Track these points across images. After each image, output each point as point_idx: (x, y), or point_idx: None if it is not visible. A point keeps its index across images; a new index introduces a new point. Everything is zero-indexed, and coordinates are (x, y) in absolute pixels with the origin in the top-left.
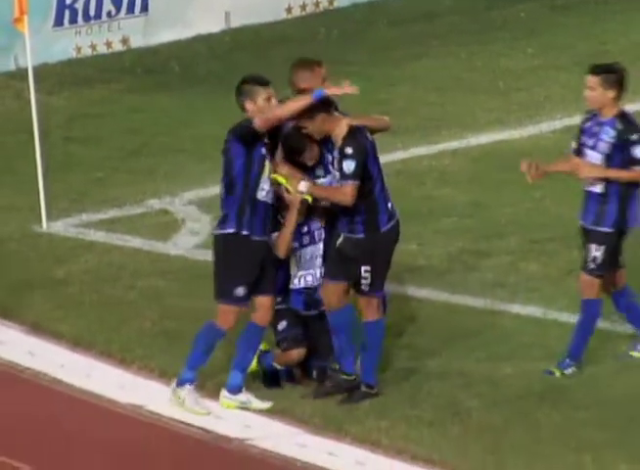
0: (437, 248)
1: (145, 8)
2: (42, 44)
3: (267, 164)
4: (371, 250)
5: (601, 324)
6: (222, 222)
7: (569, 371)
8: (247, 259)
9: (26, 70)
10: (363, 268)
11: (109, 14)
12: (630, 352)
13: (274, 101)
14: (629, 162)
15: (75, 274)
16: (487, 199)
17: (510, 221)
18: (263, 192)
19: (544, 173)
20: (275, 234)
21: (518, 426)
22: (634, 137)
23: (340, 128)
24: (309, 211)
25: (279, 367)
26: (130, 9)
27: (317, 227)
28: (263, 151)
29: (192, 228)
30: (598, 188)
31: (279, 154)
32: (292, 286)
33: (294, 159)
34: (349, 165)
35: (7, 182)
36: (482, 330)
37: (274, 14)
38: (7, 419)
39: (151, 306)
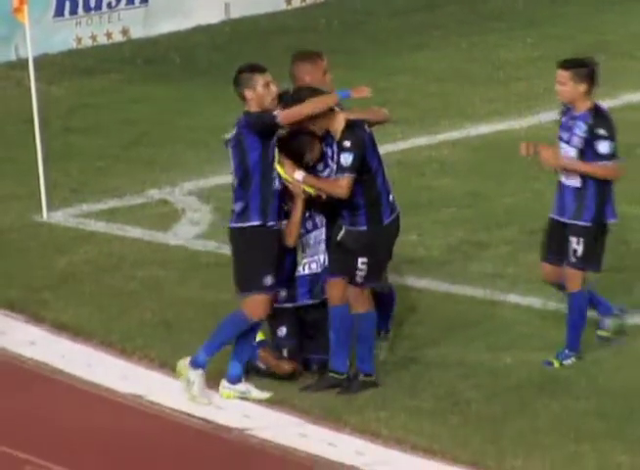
0: (437, 238)
1: None
2: (43, 34)
3: (276, 152)
4: (372, 242)
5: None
6: (241, 215)
7: (567, 362)
8: (272, 248)
9: (27, 60)
10: (360, 260)
11: (109, 5)
12: (598, 333)
13: (273, 87)
14: (595, 156)
15: (76, 264)
16: (487, 189)
17: (509, 212)
18: (276, 180)
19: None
20: (283, 222)
21: (517, 416)
22: (602, 132)
23: (338, 123)
24: (309, 204)
25: (259, 366)
26: (130, 0)
27: (319, 212)
28: (274, 140)
29: (192, 218)
30: (576, 182)
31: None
32: (297, 273)
33: (295, 160)
34: (347, 158)
35: (7, 172)
36: (482, 320)
37: (274, 4)
38: (8, 409)
39: (151, 296)
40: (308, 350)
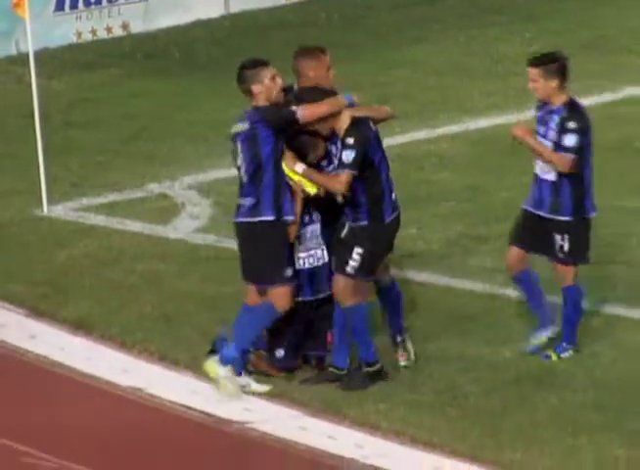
0: (436, 232)
1: None
2: (43, 29)
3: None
4: (371, 237)
5: (599, 308)
6: (252, 209)
7: (565, 355)
8: (287, 240)
9: (27, 54)
10: (356, 250)
11: None
12: (532, 341)
13: (279, 79)
14: (558, 145)
15: (76, 258)
16: (486, 183)
17: (508, 206)
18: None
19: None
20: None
21: (516, 410)
22: (572, 125)
23: (342, 121)
24: (309, 202)
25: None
26: None
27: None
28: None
29: (191, 212)
30: (551, 176)
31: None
32: (297, 266)
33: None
34: (349, 155)
35: (7, 166)
36: (481, 314)
37: None
38: (8, 402)
39: (151, 290)
40: (307, 347)
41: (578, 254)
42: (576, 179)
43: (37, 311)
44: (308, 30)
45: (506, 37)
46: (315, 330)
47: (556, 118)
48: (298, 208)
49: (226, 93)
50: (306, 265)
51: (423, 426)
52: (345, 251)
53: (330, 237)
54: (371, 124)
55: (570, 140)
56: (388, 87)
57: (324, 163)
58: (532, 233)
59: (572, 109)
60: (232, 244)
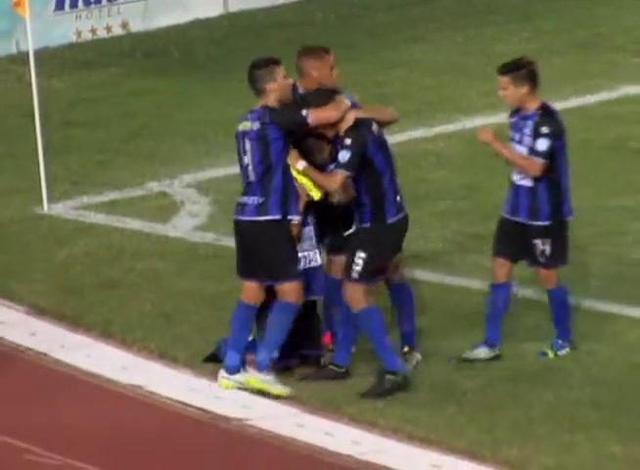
0: (433, 230)
1: None
2: (43, 28)
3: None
4: (373, 239)
5: (596, 305)
6: (258, 208)
7: (562, 352)
8: (293, 237)
9: (27, 53)
10: (358, 254)
11: None
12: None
13: (289, 78)
14: (531, 150)
15: (76, 256)
16: (482, 182)
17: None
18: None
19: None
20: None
21: (512, 406)
22: (544, 130)
23: (346, 121)
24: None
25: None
26: None
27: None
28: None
29: (191, 210)
30: (527, 182)
31: None
32: None
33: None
34: (344, 155)
35: (8, 165)
36: (478, 311)
37: None
38: (8, 400)
39: (150, 288)
40: (304, 346)
41: (560, 256)
42: (553, 184)
43: (37, 309)
44: (306, 30)
45: (503, 37)
46: (312, 330)
47: (530, 124)
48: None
49: (225, 92)
50: (304, 266)
51: (420, 423)
52: (350, 255)
53: (334, 240)
54: (373, 127)
55: (541, 144)
56: (385, 87)
57: (331, 166)
58: (511, 240)
59: (545, 113)
60: (231, 242)
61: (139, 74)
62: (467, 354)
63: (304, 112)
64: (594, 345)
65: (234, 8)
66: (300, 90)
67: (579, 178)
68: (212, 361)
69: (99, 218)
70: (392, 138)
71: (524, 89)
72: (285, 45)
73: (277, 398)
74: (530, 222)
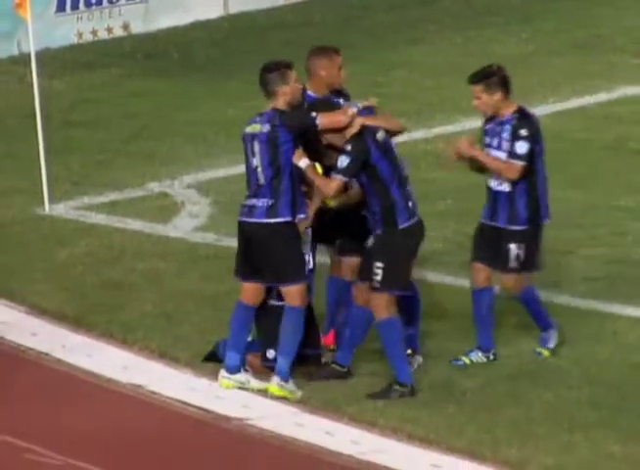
0: (433, 230)
1: None
2: (44, 29)
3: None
4: (386, 246)
5: (595, 305)
6: (268, 210)
7: (551, 345)
8: (300, 239)
9: (29, 54)
10: (375, 264)
11: (110, 0)
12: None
13: (299, 83)
14: (510, 154)
15: (77, 256)
16: (482, 182)
17: None
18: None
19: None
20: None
21: (512, 406)
22: (523, 132)
23: (352, 128)
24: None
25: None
26: None
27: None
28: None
29: (191, 211)
30: (506, 187)
31: None
32: None
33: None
34: (343, 161)
35: (9, 166)
36: None
37: (272, 0)
38: (9, 399)
39: (151, 289)
40: (303, 345)
41: (531, 261)
42: (530, 188)
43: (39, 309)
44: (306, 31)
45: (502, 38)
46: (310, 330)
47: (508, 128)
48: (312, 210)
49: (225, 93)
50: (306, 269)
51: (420, 423)
52: (369, 266)
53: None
54: (379, 134)
55: (520, 147)
56: (385, 88)
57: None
58: (489, 245)
59: (522, 117)
60: (231, 242)
61: (140, 75)
62: (461, 361)
63: (314, 114)
64: (594, 345)
65: (234, 9)
66: (309, 92)
67: (579, 178)
68: (211, 360)
69: (100, 219)
70: (392, 139)
71: (497, 96)
72: (285, 46)
73: (279, 397)
74: (508, 227)
